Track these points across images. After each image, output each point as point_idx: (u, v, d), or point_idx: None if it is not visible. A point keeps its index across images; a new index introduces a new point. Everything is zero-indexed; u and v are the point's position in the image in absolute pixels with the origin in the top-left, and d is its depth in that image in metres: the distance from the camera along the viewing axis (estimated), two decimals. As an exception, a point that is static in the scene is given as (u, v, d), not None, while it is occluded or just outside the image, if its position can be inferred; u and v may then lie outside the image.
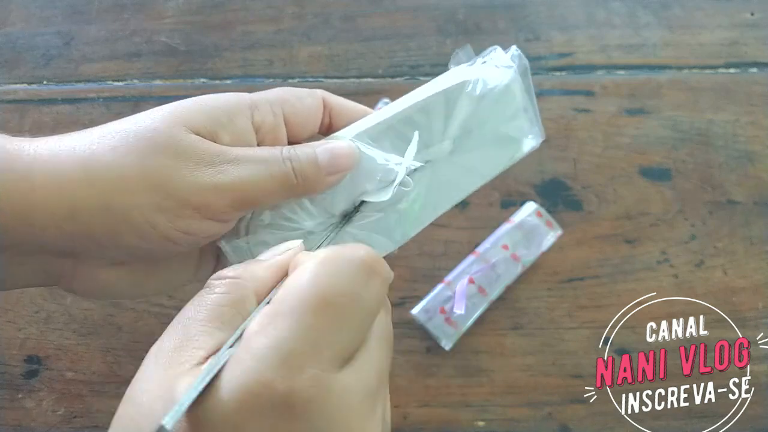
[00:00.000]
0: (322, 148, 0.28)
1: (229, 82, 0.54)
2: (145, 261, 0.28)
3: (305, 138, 0.31)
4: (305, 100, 0.30)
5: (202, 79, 0.54)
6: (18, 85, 0.54)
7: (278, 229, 0.30)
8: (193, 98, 0.28)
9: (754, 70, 0.54)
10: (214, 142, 0.26)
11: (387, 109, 0.32)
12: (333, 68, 0.54)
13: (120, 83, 0.54)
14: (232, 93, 0.29)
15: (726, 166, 0.52)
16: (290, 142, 0.30)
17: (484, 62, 0.34)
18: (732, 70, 0.54)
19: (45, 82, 0.55)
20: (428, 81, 0.33)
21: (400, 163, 0.31)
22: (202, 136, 0.26)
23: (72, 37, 0.56)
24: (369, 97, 0.53)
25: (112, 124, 0.26)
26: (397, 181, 0.30)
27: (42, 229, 0.24)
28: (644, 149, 0.52)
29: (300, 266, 0.23)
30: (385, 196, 0.30)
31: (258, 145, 0.28)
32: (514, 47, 0.34)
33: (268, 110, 0.29)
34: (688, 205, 0.51)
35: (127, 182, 0.24)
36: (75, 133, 0.25)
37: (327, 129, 0.32)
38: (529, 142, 0.34)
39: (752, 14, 0.56)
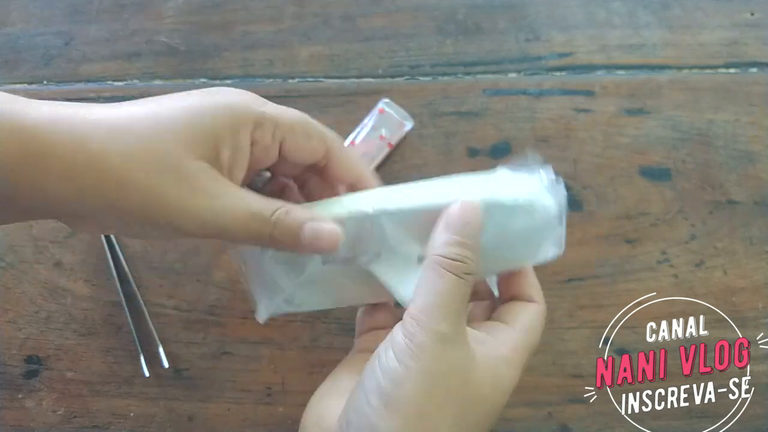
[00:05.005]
0: (309, 226, 0.29)
1: (229, 82, 0.54)
2: None
3: (294, 162, 0.32)
4: (312, 141, 0.31)
5: (202, 79, 0.54)
6: (18, 85, 0.54)
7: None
8: (205, 100, 0.29)
9: (754, 70, 0.54)
10: (216, 158, 0.28)
11: (415, 190, 0.31)
12: (333, 68, 0.54)
13: (120, 83, 0.54)
14: (244, 96, 0.30)
15: (726, 166, 0.52)
16: (279, 161, 0.32)
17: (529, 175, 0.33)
18: (732, 70, 0.54)
19: (45, 82, 0.55)
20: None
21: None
22: (206, 157, 0.28)
23: (72, 37, 0.56)
24: (369, 97, 0.53)
25: (130, 122, 0.28)
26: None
27: (53, 203, 0.26)
28: (644, 149, 0.52)
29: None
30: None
31: (250, 156, 0.30)
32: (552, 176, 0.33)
33: (269, 132, 0.30)
34: (688, 205, 0.51)
35: (129, 190, 0.26)
36: (95, 119, 0.27)
37: (321, 170, 0.34)
38: (546, 252, 0.33)
39: (752, 14, 0.56)
